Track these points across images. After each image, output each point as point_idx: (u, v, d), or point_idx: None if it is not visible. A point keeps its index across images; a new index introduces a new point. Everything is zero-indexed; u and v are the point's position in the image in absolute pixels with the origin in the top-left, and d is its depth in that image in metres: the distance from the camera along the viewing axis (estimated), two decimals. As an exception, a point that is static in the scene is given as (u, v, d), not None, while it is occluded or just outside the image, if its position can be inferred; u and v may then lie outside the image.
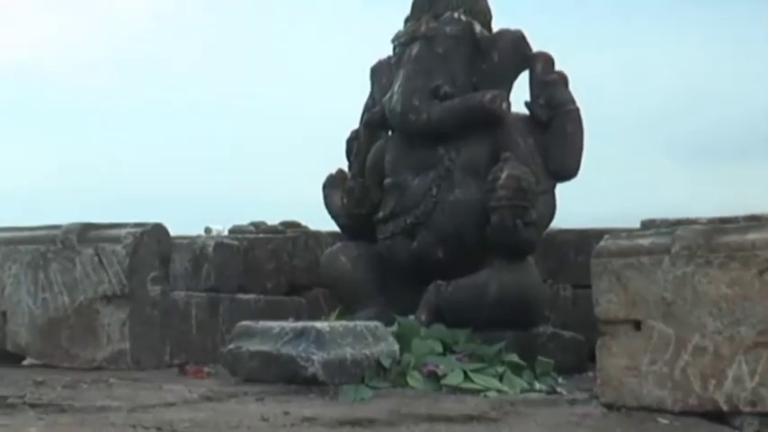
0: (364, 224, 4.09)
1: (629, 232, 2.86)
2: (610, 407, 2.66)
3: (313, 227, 4.98)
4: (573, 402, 2.92)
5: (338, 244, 4.25)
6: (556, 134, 3.89)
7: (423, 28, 3.91)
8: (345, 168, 4.28)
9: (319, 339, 3.10)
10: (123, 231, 3.59)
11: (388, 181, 4.01)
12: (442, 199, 3.83)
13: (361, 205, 4.13)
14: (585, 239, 4.30)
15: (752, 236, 2.49)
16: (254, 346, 3.20)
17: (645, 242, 2.69)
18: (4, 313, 3.71)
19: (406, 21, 4.07)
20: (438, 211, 3.84)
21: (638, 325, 2.65)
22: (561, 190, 3.94)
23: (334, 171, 4.30)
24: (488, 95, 3.80)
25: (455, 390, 3.14)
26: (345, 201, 4.16)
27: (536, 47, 3.98)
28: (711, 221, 3.12)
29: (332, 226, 4.41)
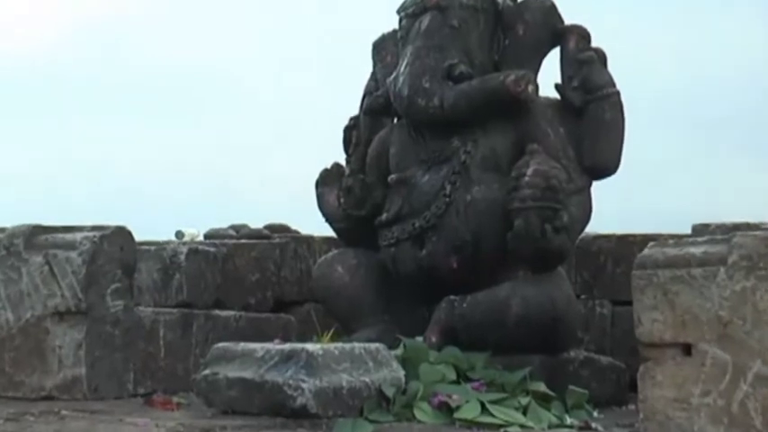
0: (364, 228, 4.10)
1: (678, 239, 2.87)
2: (654, 446, 2.68)
3: (304, 231, 5.00)
4: (610, 440, 2.91)
5: (334, 252, 4.27)
6: (592, 122, 3.90)
7: (434, -4, 3.92)
8: (342, 162, 4.29)
9: (310, 364, 3.10)
10: (79, 236, 3.59)
11: (392, 177, 4.02)
12: (457, 199, 3.84)
13: (361, 206, 4.14)
14: (626, 247, 4.32)
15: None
16: (233, 371, 3.20)
17: (696, 251, 2.69)
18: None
19: (415, -13, 4.08)
20: (452, 214, 3.85)
21: (688, 349, 2.65)
22: (598, 188, 3.95)
23: (328, 166, 4.30)
24: (512, 76, 3.80)
25: (471, 424, 3.14)
26: (342, 201, 4.17)
27: (569, 19, 3.98)
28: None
29: (326, 230, 4.42)
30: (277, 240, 4.77)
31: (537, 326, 3.64)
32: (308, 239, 4.84)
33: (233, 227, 5.00)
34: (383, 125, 4.21)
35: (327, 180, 4.27)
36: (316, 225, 4.48)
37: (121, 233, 3.66)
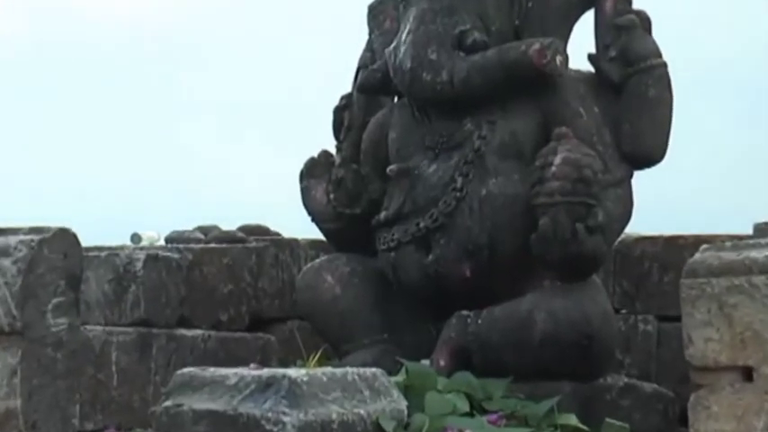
0: (359, 229, 4.11)
1: (737, 241, 2.89)
2: (708, 490, 2.70)
3: (286, 233, 5.01)
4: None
5: (322, 258, 4.28)
6: (633, 100, 3.91)
7: (442, -51, 3.92)
8: (332, 150, 4.30)
9: (294, 393, 3.10)
10: (13, 240, 3.57)
11: (392, 168, 4.03)
12: (470, 193, 3.85)
13: (355, 202, 4.15)
14: (675, 251, 4.33)
15: None
16: (200, 403, 3.20)
17: (759, 255, 2.70)
18: None
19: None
20: (464, 211, 3.85)
21: (748, 373, 2.67)
22: (640, 180, 3.96)
23: (315, 154, 4.31)
24: (536, 46, 3.80)
25: (488, 466, 3.16)
26: (332, 196, 4.18)
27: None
28: None
29: (313, 232, 4.43)
30: (254, 245, 4.78)
31: (567, 346, 3.64)
32: (291, 243, 4.85)
33: (200, 229, 5.00)
34: (381, 105, 4.23)
35: (314, 171, 4.27)
36: (300, 226, 4.52)
37: (65, 236, 3.63)
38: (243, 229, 4.96)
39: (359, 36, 4.31)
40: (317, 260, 4.27)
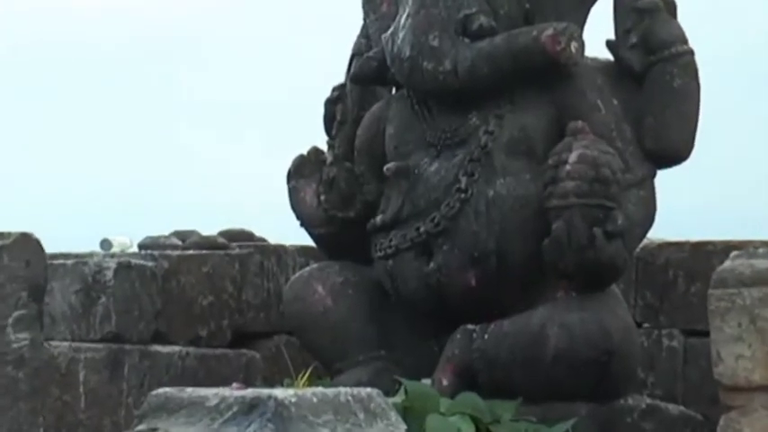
0: (353, 235, 4.11)
1: (771, 247, 2.89)
2: None
3: (273, 239, 5.00)
4: None
5: (312, 266, 4.28)
6: (656, 91, 3.91)
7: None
8: (323, 147, 4.30)
9: (280, 416, 3.09)
10: (-30, 246, 3.60)
11: (389, 166, 4.03)
12: (476, 195, 3.85)
13: (348, 205, 4.15)
14: (702, 259, 4.34)
15: None
16: (177, 427, 3.19)
17: (795, 262, 2.70)
18: None
19: None
20: (469, 215, 3.85)
21: (784, 394, 2.66)
22: (664, 180, 3.97)
23: (304, 152, 4.31)
24: (549, 31, 3.80)
25: (496, 496, 3.16)
26: (323, 198, 4.18)
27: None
28: None
29: (302, 238, 4.43)
30: (236, 251, 4.77)
31: (583, 364, 3.64)
32: (278, 250, 4.85)
33: (177, 234, 5.00)
34: (377, 97, 4.23)
35: (303, 170, 4.27)
36: (287, 231, 4.51)
37: (27, 242, 3.61)
38: (224, 234, 4.95)
39: (352, 22, 4.33)
40: (307, 269, 4.26)
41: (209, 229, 4.99)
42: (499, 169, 3.85)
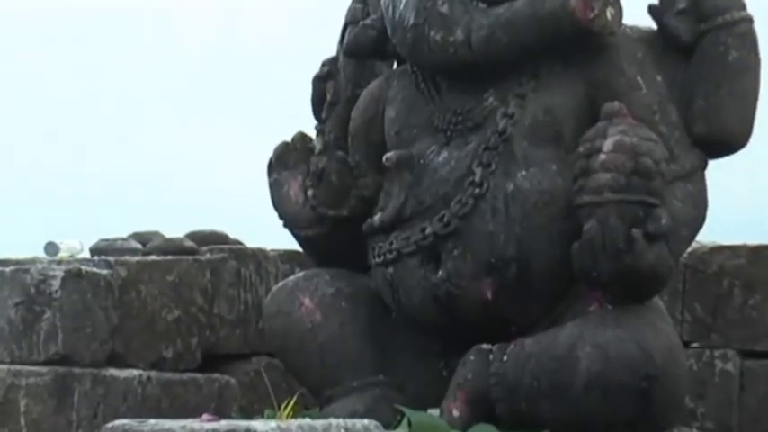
0: (346, 237, 4.13)
1: None
2: None
3: (251, 242, 5.01)
4: None
5: (298, 274, 4.29)
6: (708, 67, 3.91)
7: None
8: (311, 133, 4.31)
9: (260, 452, 3.08)
10: None
11: (390, 156, 4.02)
12: (493, 190, 3.85)
13: (341, 202, 4.16)
14: (763, 265, 4.36)
15: None
16: (137, 464, 3.18)
17: None
18: None
19: None
20: (484, 213, 3.85)
21: None
22: (716, 171, 3.98)
23: (288, 138, 4.31)
24: (578, -5, 3.82)
25: None
26: (311, 193, 4.18)
27: None
28: None
29: (286, 241, 4.45)
30: (207, 257, 4.77)
31: (621, 391, 3.63)
32: (257, 255, 4.86)
33: (136, 236, 5.01)
34: (375, 73, 4.24)
35: (287, 161, 4.28)
36: (268, 232, 4.56)
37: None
38: (193, 236, 4.96)
39: None
40: (291, 277, 4.26)
41: (175, 230, 5.03)
42: (520, 159, 3.85)
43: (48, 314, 4.26)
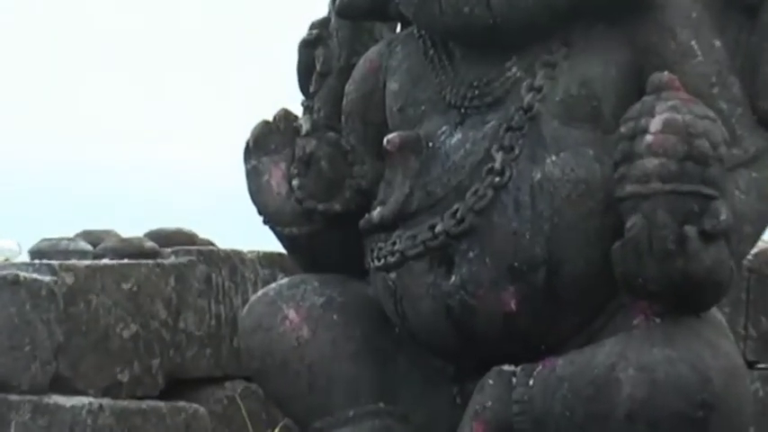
0: (339, 236, 4.16)
1: None
2: None
3: (223, 243, 5.14)
4: None
5: (281, 281, 4.32)
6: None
7: None
8: (296, 111, 4.33)
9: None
10: None
11: (393, 138, 4.01)
12: (517, 178, 3.84)
13: (333, 193, 4.18)
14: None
15: None
16: None
17: None
18: None
19: None
20: (507, 207, 3.85)
21: None
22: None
23: (270, 117, 4.33)
24: (619, -57, 3.81)
25: None
26: (297, 184, 4.19)
27: None
28: None
29: (267, 241, 4.53)
30: (171, 260, 4.79)
31: (671, 421, 3.63)
32: (232, 258, 4.88)
33: (86, 235, 5.02)
34: (374, 38, 4.28)
35: (267, 144, 4.29)
36: (245, 231, 4.62)
37: None
38: (154, 235, 4.99)
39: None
40: (273, 285, 4.26)
41: (132, 228, 5.09)
42: (550, 141, 3.85)
43: (-23, 331, 4.30)
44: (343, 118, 4.23)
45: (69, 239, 4.91)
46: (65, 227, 5.05)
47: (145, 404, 4.41)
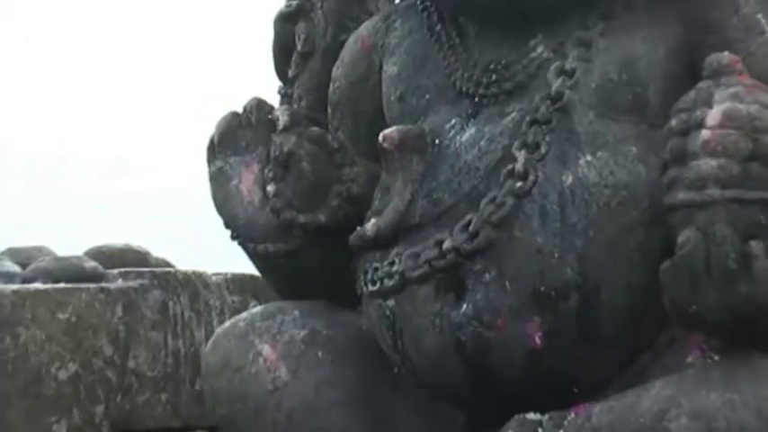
0: (324, 254, 4.19)
1: None
2: None
3: (182, 263, 5.21)
4: None
5: (253, 310, 4.32)
6: None
7: None
8: (273, 99, 4.40)
9: None
10: None
11: (391, 134, 4.00)
12: (544, 183, 3.84)
13: (317, 201, 4.18)
14: None
15: None
16: None
17: None
18: None
19: None
20: (531, 218, 3.85)
21: None
22: None
23: (239, 107, 4.34)
24: None
25: None
26: (273, 190, 4.20)
27: None
28: None
29: (235, 261, 4.52)
30: (119, 284, 4.80)
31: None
32: (192, 281, 4.89)
33: (12, 254, 5.07)
34: (367, 10, 4.35)
35: (236, 141, 4.30)
36: (208, 249, 4.68)
37: None
38: (97, 253, 5.01)
39: None
40: (244, 315, 4.28)
41: (70, 245, 5.15)
42: (584, 138, 3.84)
43: None
44: (329, 109, 4.26)
45: (-11, 256, 4.99)
46: (-13, 243, 5.14)
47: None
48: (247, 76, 4.49)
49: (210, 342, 4.30)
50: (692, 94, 3.74)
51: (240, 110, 4.31)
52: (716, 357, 3.76)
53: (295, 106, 4.27)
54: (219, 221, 4.32)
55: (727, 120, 3.66)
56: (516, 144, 3.85)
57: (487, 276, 3.85)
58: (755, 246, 3.63)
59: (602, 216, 3.81)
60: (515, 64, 3.94)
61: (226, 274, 4.81)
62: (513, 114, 3.90)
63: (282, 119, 4.22)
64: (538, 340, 3.82)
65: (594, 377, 3.84)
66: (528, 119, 3.87)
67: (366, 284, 4.01)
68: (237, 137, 4.29)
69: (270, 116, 4.27)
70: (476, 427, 3.98)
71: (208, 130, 4.31)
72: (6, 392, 4.43)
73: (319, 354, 4.09)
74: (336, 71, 4.26)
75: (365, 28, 4.26)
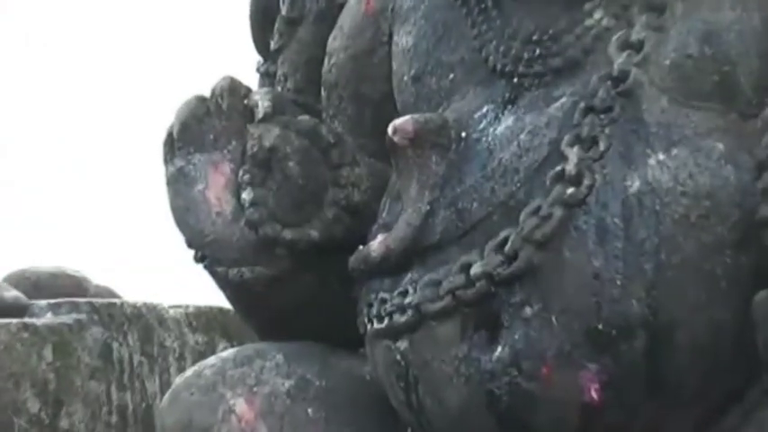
0: (315, 281, 4.20)
1: None
2: None
3: (132, 293, 5.15)
4: None
5: (223, 353, 4.33)
6: None
7: None
8: (249, 80, 4.33)
9: None
10: None
11: (403, 124, 3.94)
12: (603, 190, 3.79)
13: (306, 212, 4.17)
14: None
15: None
16: None
17: None
18: None
19: None
20: (584, 236, 3.79)
21: None
22: None
23: (206, 90, 4.31)
24: None
25: None
26: (250, 197, 4.18)
27: None
28: None
29: (200, 291, 4.58)
30: (48, 319, 4.84)
31: None
32: (144, 315, 4.89)
33: None
34: None
35: (202, 133, 4.29)
36: (164, 275, 4.54)
37: None
38: (20, 278, 5.03)
39: None
40: (211, 359, 4.28)
41: None
42: (654, 130, 3.79)
43: None
44: (323, 92, 4.24)
45: None
46: None
47: None
48: (210, 57, 4.50)
49: (168, 395, 4.29)
50: (791, 78, 3.75)
51: (208, 93, 4.29)
52: (829, 415, 3.76)
53: (279, 88, 4.27)
54: (180, 238, 4.32)
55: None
56: (567, 139, 3.81)
57: (528, 311, 3.80)
58: None
59: (678, 232, 3.76)
60: (566, 34, 3.90)
61: (187, 306, 4.84)
62: (563, 100, 3.86)
63: (262, 105, 4.20)
64: (594, 393, 3.78)
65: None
66: (582, 106, 3.83)
67: (371, 321, 3.97)
68: (204, 128, 4.27)
69: (246, 101, 4.25)
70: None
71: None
72: None
73: (309, 411, 4.09)
74: (333, 42, 4.26)
75: (376, -4, 4.24)
